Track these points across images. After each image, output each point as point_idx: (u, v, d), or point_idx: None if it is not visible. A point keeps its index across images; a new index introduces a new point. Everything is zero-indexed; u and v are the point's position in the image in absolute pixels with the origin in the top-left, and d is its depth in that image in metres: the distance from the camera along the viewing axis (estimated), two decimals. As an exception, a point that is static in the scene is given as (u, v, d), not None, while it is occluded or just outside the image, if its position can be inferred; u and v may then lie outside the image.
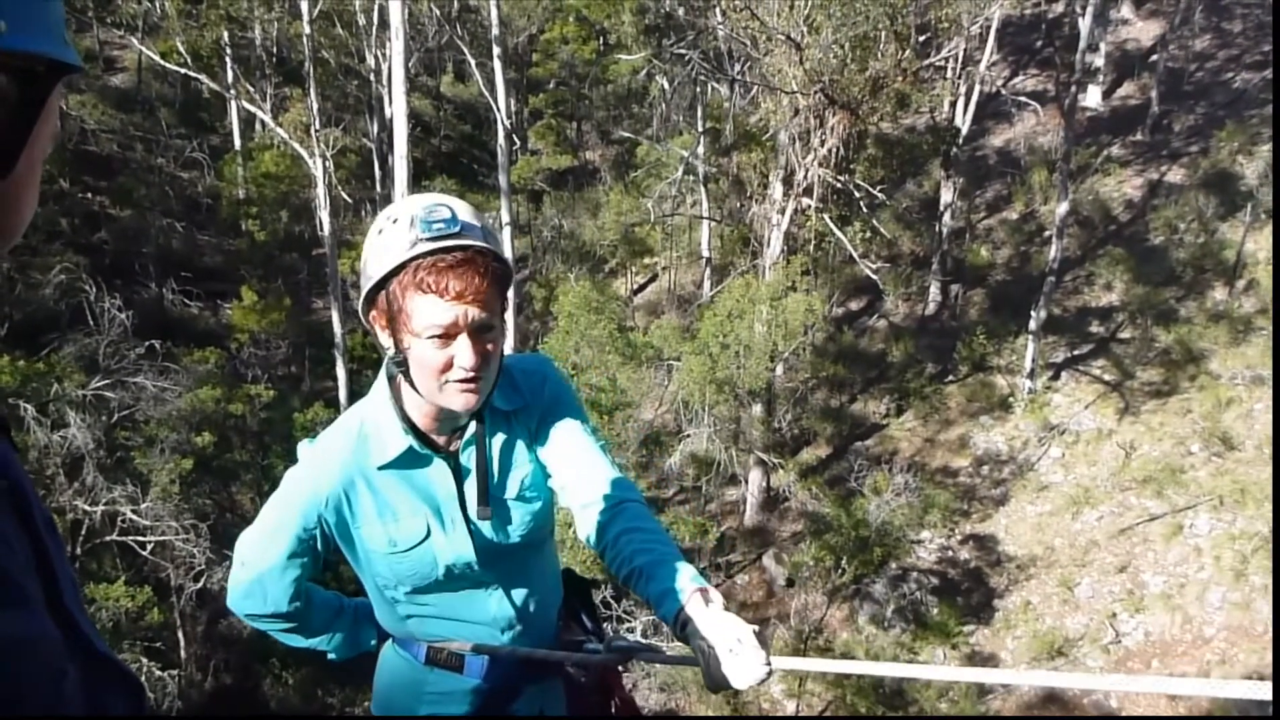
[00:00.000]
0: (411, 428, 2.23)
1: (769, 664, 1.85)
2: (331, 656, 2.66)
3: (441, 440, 2.27)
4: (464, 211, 2.10)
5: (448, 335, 2.05)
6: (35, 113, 1.09)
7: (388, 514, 2.26)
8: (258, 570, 2.32)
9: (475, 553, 2.30)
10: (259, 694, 19.19)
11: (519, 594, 2.40)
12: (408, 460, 2.25)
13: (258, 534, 2.33)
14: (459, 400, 2.13)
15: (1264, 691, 1.58)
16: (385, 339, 2.16)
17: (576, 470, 2.31)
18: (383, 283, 2.09)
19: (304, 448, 2.33)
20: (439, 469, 2.27)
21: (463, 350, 2.06)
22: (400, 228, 2.07)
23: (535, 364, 2.43)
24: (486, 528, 2.30)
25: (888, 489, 20.93)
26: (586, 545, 2.31)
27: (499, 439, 2.31)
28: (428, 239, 2.03)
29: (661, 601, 2.02)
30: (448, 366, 2.08)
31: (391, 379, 2.27)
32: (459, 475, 2.28)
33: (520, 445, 2.34)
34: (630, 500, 2.27)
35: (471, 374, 2.08)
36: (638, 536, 2.18)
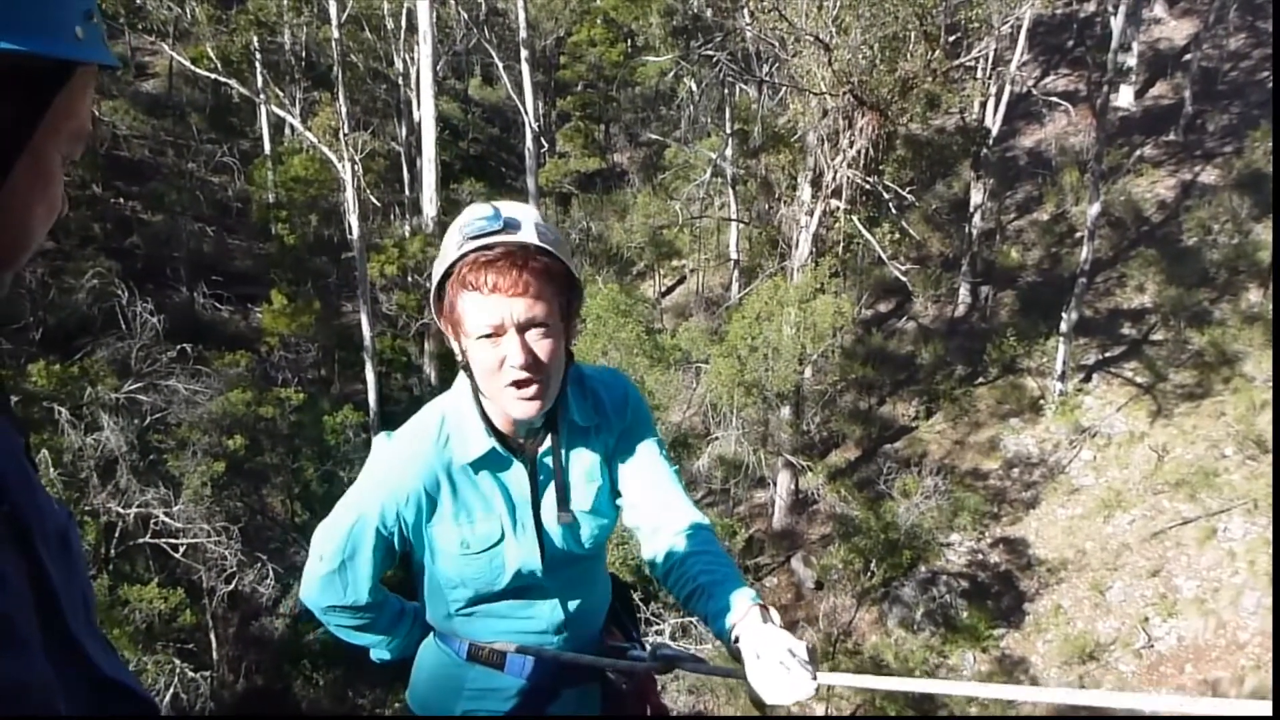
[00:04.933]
0: (492, 428, 2.24)
1: (815, 679, 1.85)
2: (385, 657, 2.65)
3: (520, 443, 2.28)
4: (512, 210, 2.12)
5: (495, 334, 2.07)
6: (34, 117, 1.03)
7: (463, 515, 2.26)
8: (338, 562, 2.31)
9: (542, 560, 2.31)
10: (290, 695, 19.28)
11: (573, 601, 2.42)
12: (488, 461, 2.26)
13: (338, 527, 2.31)
14: (517, 408, 2.14)
15: (1264, 708, 1.56)
16: (452, 343, 2.19)
17: (648, 492, 2.34)
18: (440, 287, 2.13)
19: (382, 442, 2.33)
20: (517, 472, 2.28)
21: (511, 348, 2.07)
22: (453, 232, 2.12)
23: (615, 381, 2.44)
24: (557, 536, 2.31)
25: (917, 491, 20.84)
26: (650, 568, 2.32)
27: (576, 452, 2.33)
28: (470, 238, 2.06)
29: (718, 616, 2.04)
30: (500, 366, 2.09)
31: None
32: (535, 480, 2.29)
33: (596, 460, 2.35)
34: (698, 526, 2.28)
35: (523, 374, 2.08)
36: (703, 559, 2.20)
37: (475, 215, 2.09)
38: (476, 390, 2.22)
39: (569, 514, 2.29)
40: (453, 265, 2.08)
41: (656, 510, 2.31)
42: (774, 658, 1.85)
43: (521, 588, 2.35)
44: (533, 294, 2.05)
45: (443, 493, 2.25)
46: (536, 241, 2.07)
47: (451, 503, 2.25)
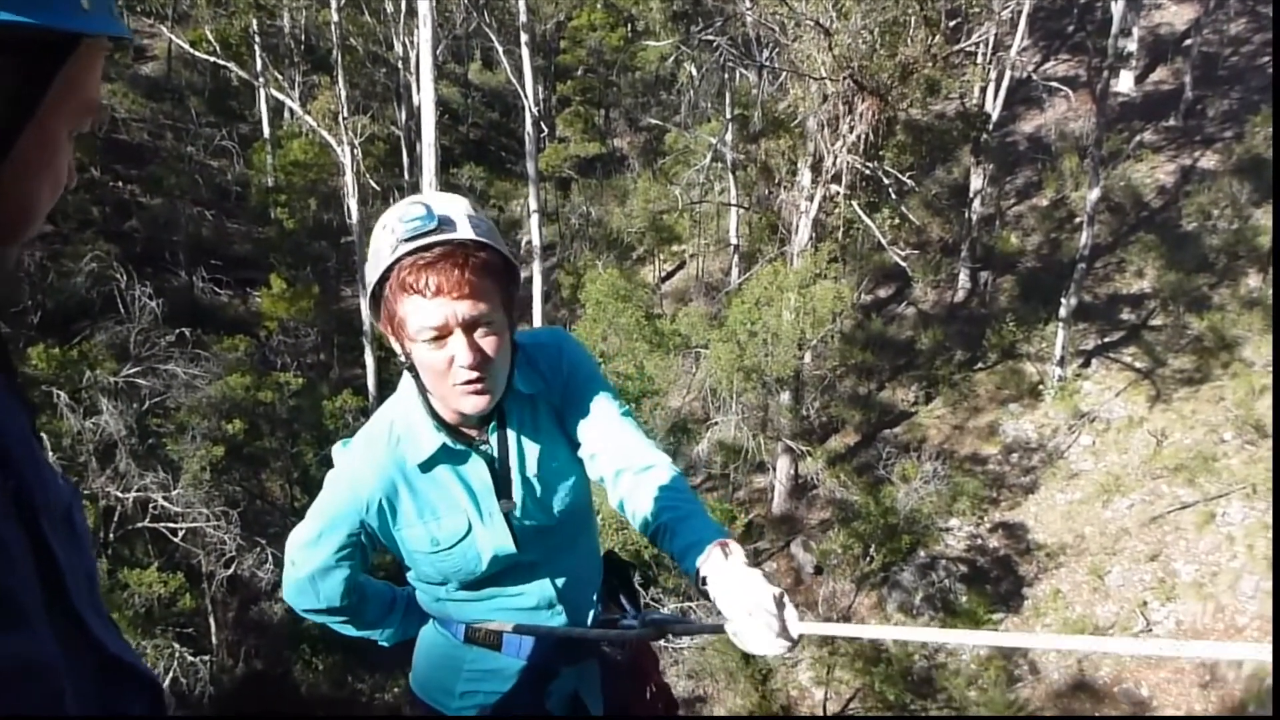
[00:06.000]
0: (442, 423, 2.23)
1: (791, 635, 1.81)
2: (383, 644, 2.68)
3: (472, 432, 2.27)
4: (444, 205, 2.09)
5: (441, 335, 2.04)
6: (39, 89, 1.01)
7: (428, 513, 2.26)
8: (308, 571, 2.33)
9: (515, 541, 2.30)
10: (289, 680, 19.33)
11: (559, 574, 2.41)
12: (443, 457, 2.25)
13: (305, 538, 2.32)
14: (467, 403, 2.12)
15: (1263, 653, 1.57)
16: (395, 345, 2.16)
17: (603, 439, 2.30)
18: (378, 290, 2.09)
19: (338, 452, 2.32)
20: (474, 462, 2.27)
21: (459, 349, 2.05)
22: (386, 233, 2.08)
23: (549, 338, 2.41)
24: (523, 513, 2.30)
25: (916, 476, 20.86)
26: (619, 511, 2.28)
27: (524, 422, 2.30)
28: (404, 240, 2.03)
29: (684, 556, 2.01)
30: (449, 367, 2.07)
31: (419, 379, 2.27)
32: (493, 466, 2.28)
33: (547, 424, 2.33)
34: (657, 462, 2.24)
35: (473, 373, 2.07)
36: (664, 494, 2.16)
37: (407, 215, 2.04)
38: (423, 389, 2.22)
39: (511, 501, 2.28)
40: (389, 268, 2.05)
41: (613, 455, 2.27)
42: (741, 608, 1.82)
43: (503, 569, 2.34)
44: (476, 293, 2.03)
45: (403, 495, 2.25)
46: (474, 237, 2.05)
47: (413, 504, 2.25)
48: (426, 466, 2.25)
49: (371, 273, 2.09)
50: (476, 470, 2.27)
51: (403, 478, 2.24)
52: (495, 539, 2.29)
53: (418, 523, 2.26)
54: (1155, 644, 1.69)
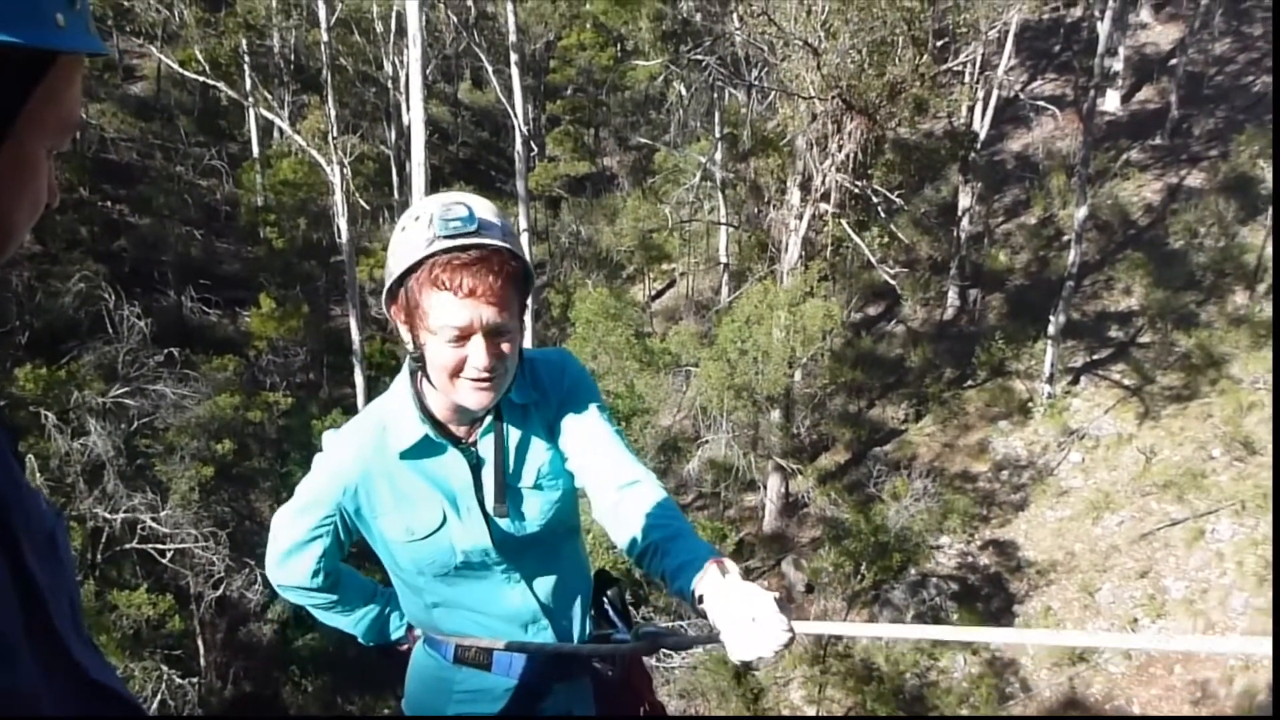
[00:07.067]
0: (429, 418, 2.25)
1: (790, 630, 1.79)
2: (361, 639, 2.70)
3: (460, 432, 2.30)
4: (483, 210, 2.12)
5: (463, 335, 2.07)
6: (13, 108, 1.00)
7: (404, 503, 2.29)
8: (285, 546, 2.40)
9: (492, 542, 2.31)
10: (278, 701, 19.22)
11: (542, 588, 2.42)
12: (424, 449, 2.28)
13: (286, 513, 2.40)
14: (473, 398, 2.15)
15: (1263, 646, 1.57)
16: (405, 335, 2.18)
17: (591, 453, 2.32)
18: (402, 279, 2.11)
19: (328, 437, 2.38)
20: (454, 458, 2.29)
21: (477, 351, 2.08)
22: (421, 225, 2.10)
23: (556, 356, 2.46)
24: (504, 518, 2.31)
25: (907, 494, 20.85)
26: (601, 525, 2.29)
27: (516, 430, 2.33)
28: (444, 236, 2.05)
29: (677, 576, 2.01)
30: (461, 365, 2.10)
31: (414, 373, 2.29)
32: (475, 465, 2.30)
33: (537, 435, 2.36)
34: (643, 480, 2.25)
35: (485, 374, 2.10)
36: (651, 513, 2.17)
37: (449, 214, 2.07)
38: (415, 381, 2.26)
39: (504, 505, 2.30)
40: (421, 260, 2.07)
41: (599, 469, 2.29)
42: (743, 616, 1.80)
43: (480, 571, 2.36)
44: (502, 301, 2.07)
45: (382, 483, 2.28)
46: (508, 245, 2.10)
47: (391, 492, 2.29)
48: (407, 456, 2.28)
49: (399, 260, 2.11)
50: (457, 466, 2.30)
51: (382, 466, 2.28)
52: (471, 535, 2.31)
53: (394, 511, 2.30)
54: (1153, 639, 1.69)
